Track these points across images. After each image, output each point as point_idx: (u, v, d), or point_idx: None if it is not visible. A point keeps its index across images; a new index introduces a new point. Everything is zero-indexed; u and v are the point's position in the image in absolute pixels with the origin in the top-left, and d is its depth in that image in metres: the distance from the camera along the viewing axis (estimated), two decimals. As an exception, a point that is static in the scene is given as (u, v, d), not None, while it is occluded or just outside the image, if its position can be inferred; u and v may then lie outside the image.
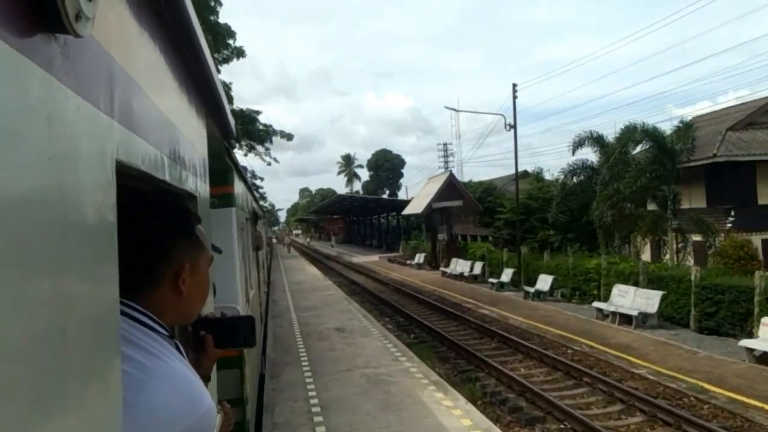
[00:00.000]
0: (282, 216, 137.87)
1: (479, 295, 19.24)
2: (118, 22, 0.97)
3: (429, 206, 27.62)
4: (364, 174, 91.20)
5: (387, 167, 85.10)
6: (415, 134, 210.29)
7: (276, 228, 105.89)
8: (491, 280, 20.55)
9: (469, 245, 27.92)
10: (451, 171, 29.63)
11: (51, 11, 0.63)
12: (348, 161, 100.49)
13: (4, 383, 0.48)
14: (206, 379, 1.19)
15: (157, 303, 1.07)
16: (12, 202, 0.52)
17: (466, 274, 23.20)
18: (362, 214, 57.77)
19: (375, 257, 40.85)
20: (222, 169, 4.13)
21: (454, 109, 23.52)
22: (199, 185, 1.70)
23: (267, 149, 29.47)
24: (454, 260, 25.80)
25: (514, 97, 20.53)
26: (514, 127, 21.08)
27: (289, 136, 27.49)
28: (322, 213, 70.76)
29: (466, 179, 46.34)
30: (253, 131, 26.07)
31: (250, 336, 1.45)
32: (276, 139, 29.48)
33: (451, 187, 28.54)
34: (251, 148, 28.74)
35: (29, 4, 0.60)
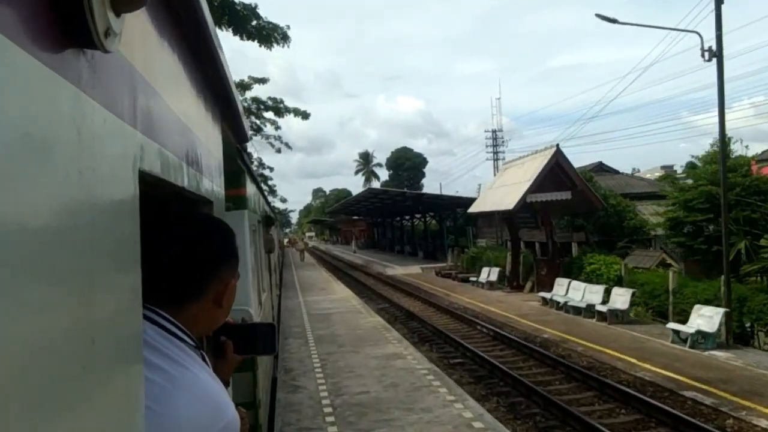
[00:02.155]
0: (294, 218, 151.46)
1: (674, 360, 11.30)
2: (141, 34, 1.07)
3: (522, 200, 20.86)
4: (383, 175, 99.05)
5: (408, 166, 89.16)
6: (426, 137, 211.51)
7: (288, 230, 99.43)
8: (674, 326, 13.58)
9: (587, 258, 20.92)
10: (557, 147, 21.88)
11: (81, 29, 0.71)
12: (366, 159, 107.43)
13: (37, 391, 0.57)
14: (225, 384, 1.36)
15: (194, 314, 1.27)
16: (43, 215, 0.60)
17: (599, 307, 16.41)
18: (391, 214, 55.09)
19: (415, 268, 36.06)
20: (234, 171, 4.35)
21: (612, 20, 12.16)
22: (215, 190, 1.89)
23: (277, 128, 28.11)
24: (561, 282, 19.55)
25: (719, 2, 13.83)
26: (717, 54, 13.92)
27: (304, 114, 24.37)
28: (343, 213, 70.28)
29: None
30: (239, 16, 16.26)
31: (270, 343, 1.54)
32: (285, 139, 29.86)
33: (557, 171, 21.37)
34: (258, 131, 26.70)
35: (61, 22, 0.67)
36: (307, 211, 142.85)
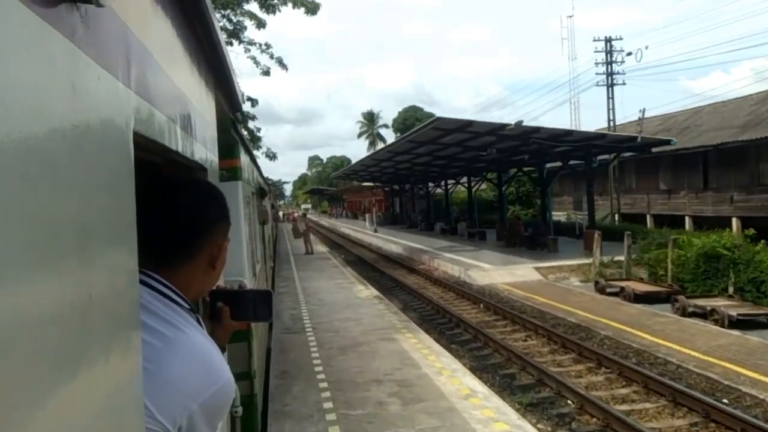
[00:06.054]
0: (288, 190, 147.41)
1: None
2: None
3: None
4: (389, 138, 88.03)
5: (418, 128, 71.84)
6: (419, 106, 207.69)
7: (281, 202, 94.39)
8: None
9: None
10: None
11: None
12: (371, 120, 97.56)
13: (37, 347, 0.59)
14: (221, 350, 1.40)
15: (188, 276, 1.30)
16: (38, 170, 0.61)
17: None
18: (430, 176, 40.58)
19: (523, 270, 19.41)
20: (228, 142, 4.48)
21: None
22: (209, 158, 1.91)
23: (261, 26, 16.95)
24: None
25: None
26: None
27: (310, 6, 15.72)
28: (355, 177, 58.51)
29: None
30: None
31: (267, 310, 1.60)
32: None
33: None
34: (234, 36, 16.98)
35: None
36: (302, 181, 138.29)
